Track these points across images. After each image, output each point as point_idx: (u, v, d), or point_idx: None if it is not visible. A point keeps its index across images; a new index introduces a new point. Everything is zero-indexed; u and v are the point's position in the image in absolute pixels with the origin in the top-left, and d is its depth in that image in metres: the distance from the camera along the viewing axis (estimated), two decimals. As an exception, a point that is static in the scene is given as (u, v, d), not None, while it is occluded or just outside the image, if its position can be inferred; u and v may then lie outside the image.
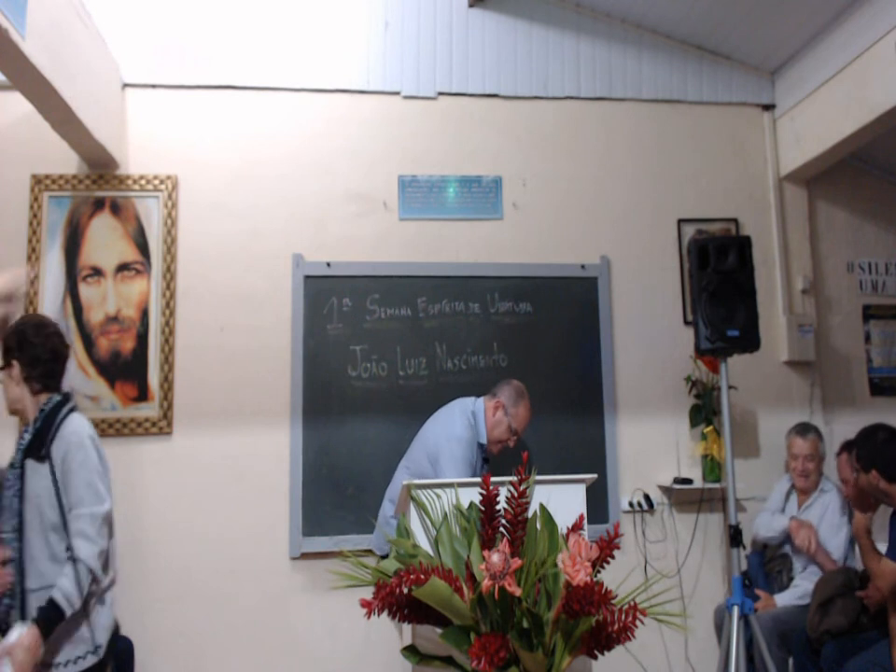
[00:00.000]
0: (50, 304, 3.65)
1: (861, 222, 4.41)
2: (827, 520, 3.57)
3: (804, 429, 3.74)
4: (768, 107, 4.31)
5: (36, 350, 2.46)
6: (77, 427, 2.41)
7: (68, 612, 2.23)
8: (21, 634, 2.15)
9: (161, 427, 3.64)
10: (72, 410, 2.47)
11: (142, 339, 3.67)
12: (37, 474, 2.33)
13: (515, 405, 3.24)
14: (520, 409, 3.25)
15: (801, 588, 3.46)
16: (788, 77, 4.19)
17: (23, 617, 2.23)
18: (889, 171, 4.47)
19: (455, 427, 3.13)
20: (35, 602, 2.24)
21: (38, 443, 2.36)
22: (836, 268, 4.36)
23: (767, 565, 3.66)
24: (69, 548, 2.27)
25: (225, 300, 3.77)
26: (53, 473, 2.32)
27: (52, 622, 2.21)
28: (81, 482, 2.33)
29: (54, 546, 2.29)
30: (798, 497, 3.73)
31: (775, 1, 3.70)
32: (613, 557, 1.85)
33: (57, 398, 2.46)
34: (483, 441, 3.20)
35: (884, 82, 3.43)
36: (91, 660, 2.30)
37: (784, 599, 3.46)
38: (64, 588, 2.23)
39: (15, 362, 2.45)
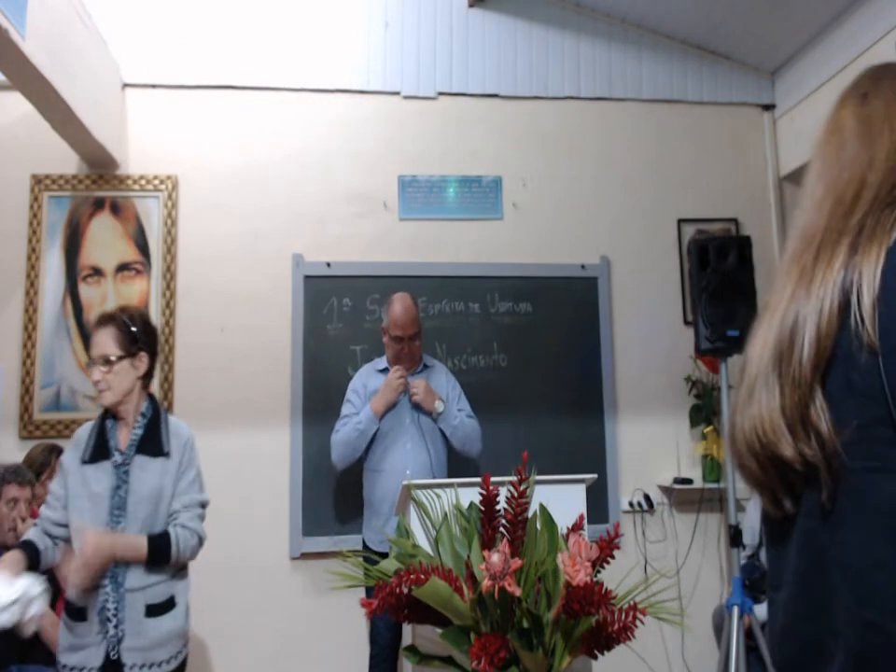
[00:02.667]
0: (50, 304, 3.65)
1: (861, 222, 4.41)
2: None
3: None
4: (768, 107, 4.31)
5: (155, 344, 2.37)
6: (185, 425, 2.40)
7: (173, 554, 2.22)
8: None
9: (161, 426, 3.63)
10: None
11: (142, 339, 3.66)
12: (150, 471, 2.24)
13: (387, 315, 3.31)
14: (391, 311, 3.28)
15: None
16: (788, 77, 4.19)
17: (120, 620, 2.15)
18: (889, 171, 4.46)
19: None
20: (137, 602, 2.17)
21: (155, 440, 2.28)
22: (836, 268, 4.35)
23: (752, 580, 3.53)
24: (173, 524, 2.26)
25: (225, 300, 3.77)
26: (178, 468, 2.28)
27: (159, 551, 2.19)
28: (193, 476, 2.32)
29: None
30: None
31: (775, 1, 3.70)
32: (613, 557, 1.85)
33: (148, 396, 2.39)
34: (382, 365, 3.36)
35: (884, 82, 3.42)
36: (185, 652, 2.30)
37: (763, 612, 3.30)
38: (179, 533, 2.23)
39: (144, 354, 2.32)
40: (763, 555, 3.63)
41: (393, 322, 3.26)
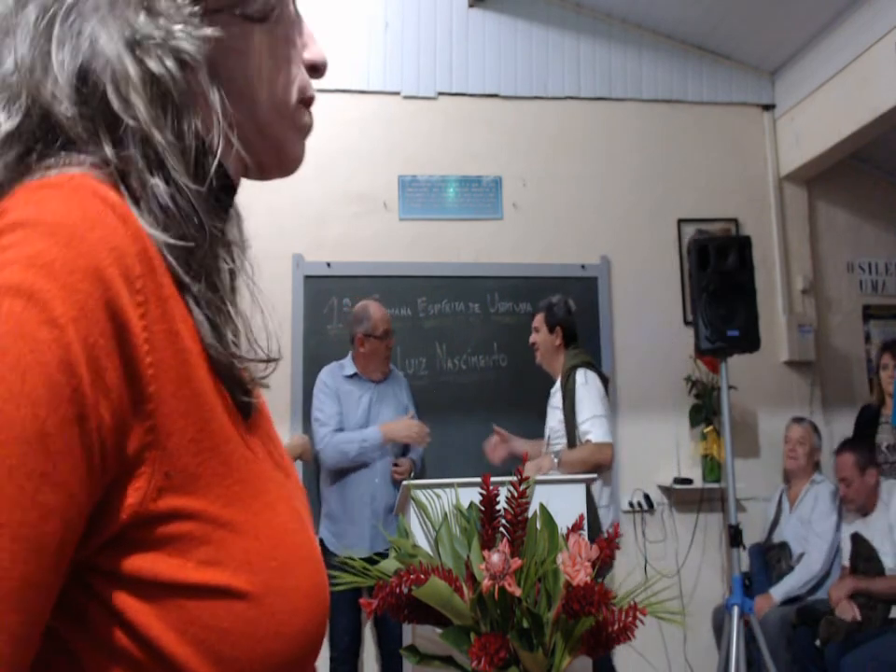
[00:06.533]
0: (50, 304, 3.64)
1: (861, 222, 4.41)
2: (818, 509, 3.60)
3: (800, 419, 3.85)
4: (768, 107, 4.31)
5: None
6: None
7: None
8: None
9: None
10: None
11: (142, 339, 3.66)
12: None
13: (366, 320, 3.28)
14: (370, 314, 3.28)
15: (792, 580, 3.50)
16: (788, 77, 4.19)
17: None
18: (889, 171, 4.47)
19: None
20: None
21: None
22: (836, 268, 4.36)
23: (767, 553, 3.68)
24: None
25: (225, 300, 3.77)
26: None
27: None
28: None
29: None
30: (789, 494, 3.76)
31: (775, 1, 3.70)
32: (613, 557, 1.85)
33: None
34: (350, 371, 3.35)
35: (884, 82, 3.43)
36: None
37: (779, 593, 3.48)
38: None
39: None
40: (775, 536, 3.68)
41: (380, 320, 3.28)
